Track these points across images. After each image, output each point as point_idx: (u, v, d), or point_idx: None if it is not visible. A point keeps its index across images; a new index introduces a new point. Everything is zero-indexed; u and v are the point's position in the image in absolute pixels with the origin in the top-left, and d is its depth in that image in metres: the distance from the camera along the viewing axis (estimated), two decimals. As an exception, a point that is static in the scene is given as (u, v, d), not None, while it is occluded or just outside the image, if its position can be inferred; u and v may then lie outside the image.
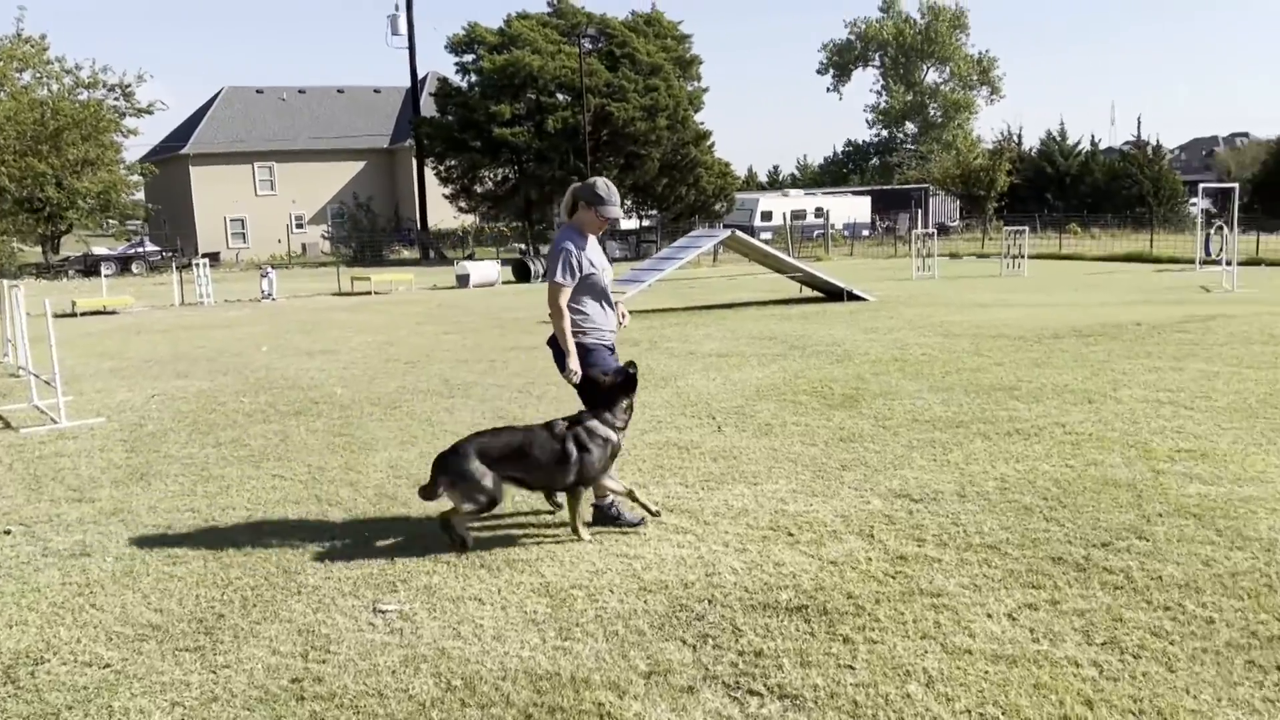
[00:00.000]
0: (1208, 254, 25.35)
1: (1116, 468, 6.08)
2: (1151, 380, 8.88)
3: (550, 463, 5.07)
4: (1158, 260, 29.44)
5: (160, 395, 9.87)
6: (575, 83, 40.66)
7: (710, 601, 4.27)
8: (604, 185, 5.38)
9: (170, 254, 40.89)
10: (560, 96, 43.69)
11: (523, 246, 44.25)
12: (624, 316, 5.66)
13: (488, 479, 4.96)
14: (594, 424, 5.18)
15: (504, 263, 31.54)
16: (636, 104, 42.39)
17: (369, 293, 24.01)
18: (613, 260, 32.54)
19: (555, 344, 5.38)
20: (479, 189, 46.75)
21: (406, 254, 48.81)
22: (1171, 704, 3.29)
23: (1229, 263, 20.50)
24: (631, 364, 5.42)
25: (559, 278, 5.20)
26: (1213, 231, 25.92)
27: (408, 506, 5.74)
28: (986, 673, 3.55)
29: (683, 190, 45.97)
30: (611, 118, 42.09)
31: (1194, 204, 45.52)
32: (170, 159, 52.97)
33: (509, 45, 43.41)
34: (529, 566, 4.75)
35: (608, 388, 5.24)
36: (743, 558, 4.77)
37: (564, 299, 5.21)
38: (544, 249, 44.78)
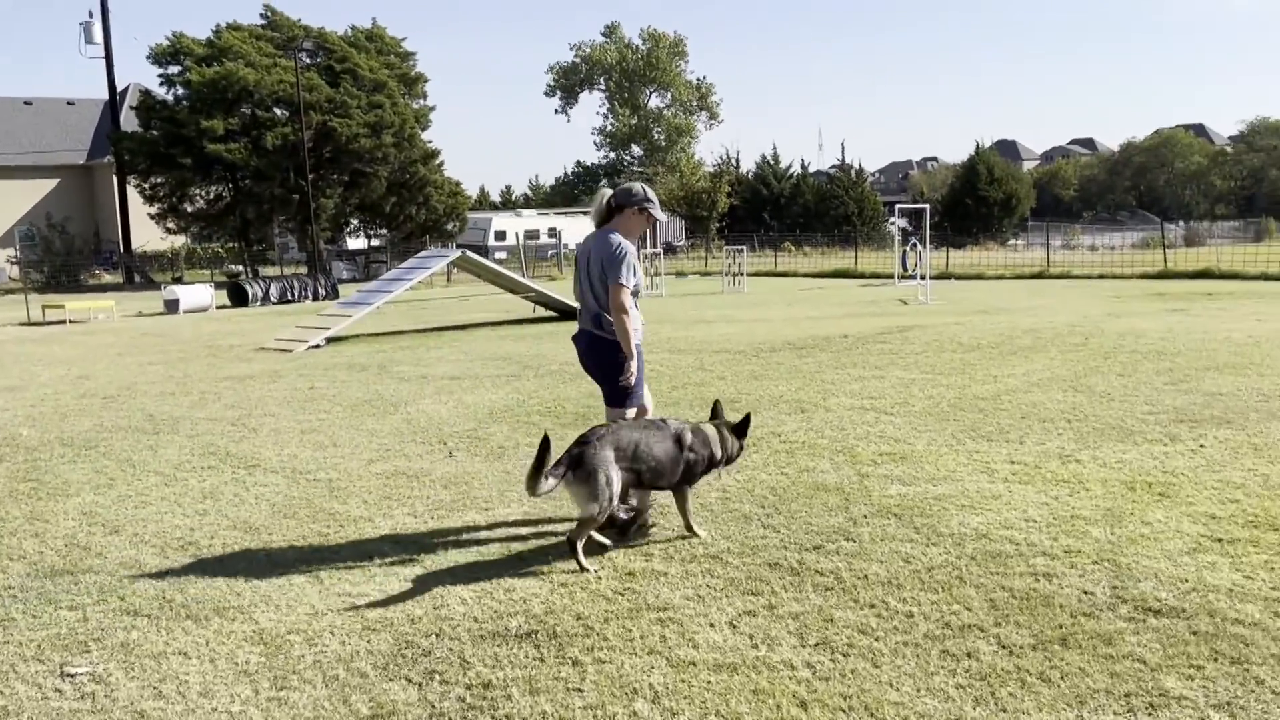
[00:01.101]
0: (904, 269, 27.60)
1: (826, 473, 6.45)
2: (857, 389, 9.51)
3: (666, 460, 5.09)
4: (862, 276, 31.76)
5: None
6: (294, 97, 39.05)
7: (438, 635, 4.15)
8: (643, 187, 5.63)
9: None
10: (278, 112, 41.83)
11: (238, 269, 42.03)
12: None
13: (616, 479, 4.84)
14: (709, 430, 5.34)
15: (218, 286, 29.75)
16: (360, 120, 41.26)
17: (63, 321, 21.96)
18: (340, 281, 31.36)
19: (586, 340, 5.62)
20: (189, 208, 43.86)
21: (109, 278, 45.09)
22: (877, 698, 3.50)
23: (923, 277, 22.40)
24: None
25: (624, 279, 5.34)
26: (908, 248, 28.24)
27: (103, 556, 5.25)
28: (709, 683, 3.64)
29: (412, 209, 45.14)
30: (334, 134, 40.73)
31: (892, 223, 49.44)
32: None
33: (219, 57, 41.09)
34: (241, 613, 4.45)
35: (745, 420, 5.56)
36: (472, 587, 4.68)
37: (628, 300, 5.36)
38: (264, 270, 42.74)
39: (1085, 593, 4.32)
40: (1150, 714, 3.32)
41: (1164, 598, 4.22)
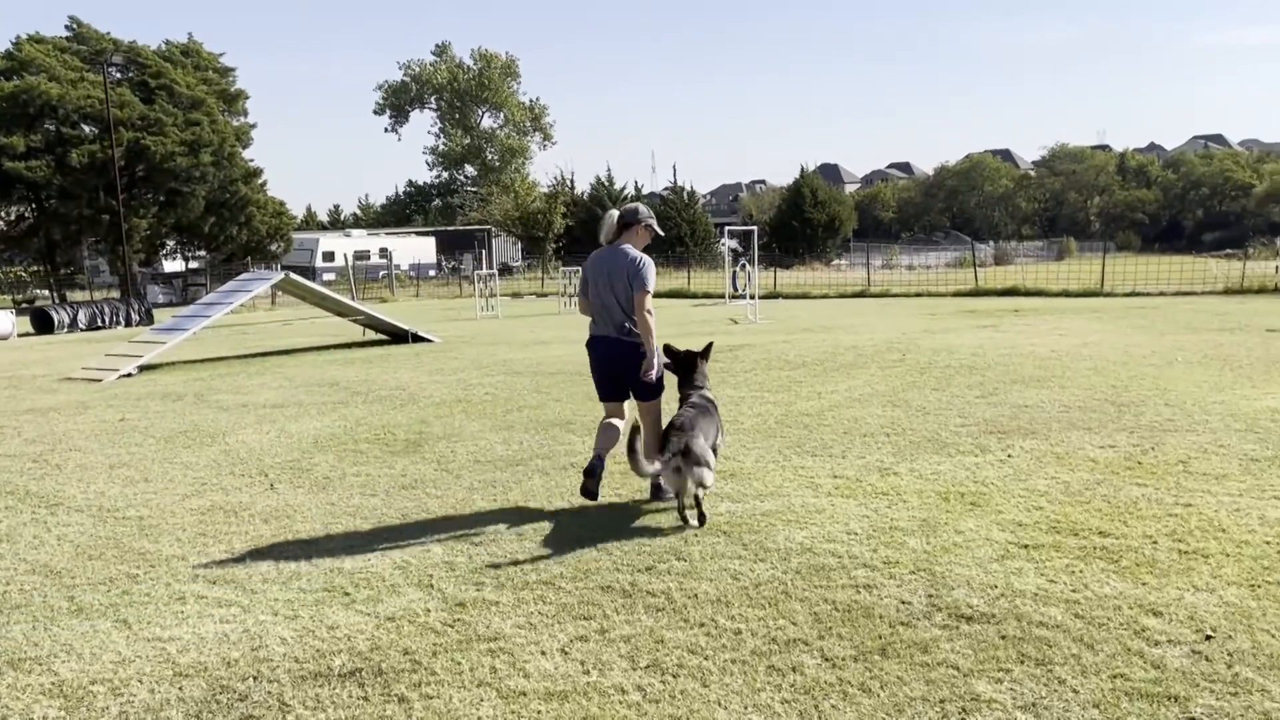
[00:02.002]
0: (735, 289, 28.27)
1: (659, 493, 6.50)
2: (689, 408, 9.63)
3: (716, 432, 6.13)
4: (695, 296, 32.36)
5: None
6: (103, 114, 37.02)
7: (255, 678, 3.96)
8: (646, 208, 6.47)
9: None
10: (86, 128, 39.58)
11: (44, 293, 39.51)
12: None
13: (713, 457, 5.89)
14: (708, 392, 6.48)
15: (19, 312, 27.85)
16: (176, 138, 39.46)
17: None
18: (155, 306, 29.92)
19: (607, 345, 6.33)
20: (-12, 229, 41.05)
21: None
22: (706, 717, 3.52)
23: (752, 297, 22.99)
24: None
25: (649, 286, 6.16)
26: (738, 269, 28.94)
27: (-121, 612, 4.80)
28: (539, 712, 3.60)
29: (234, 230, 43.40)
30: (148, 152, 38.79)
31: (723, 244, 50.64)
32: None
33: (20, 70, 38.65)
34: (39, 665, 4.14)
35: (686, 356, 6.64)
36: (293, 625, 4.49)
37: (651, 303, 6.15)
38: (72, 295, 40.27)
39: (903, 602, 4.48)
40: (962, 718, 3.46)
41: (975, 604, 4.42)
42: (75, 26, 42.65)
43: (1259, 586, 4.52)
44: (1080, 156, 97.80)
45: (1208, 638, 4.00)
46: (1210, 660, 3.81)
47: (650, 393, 6.34)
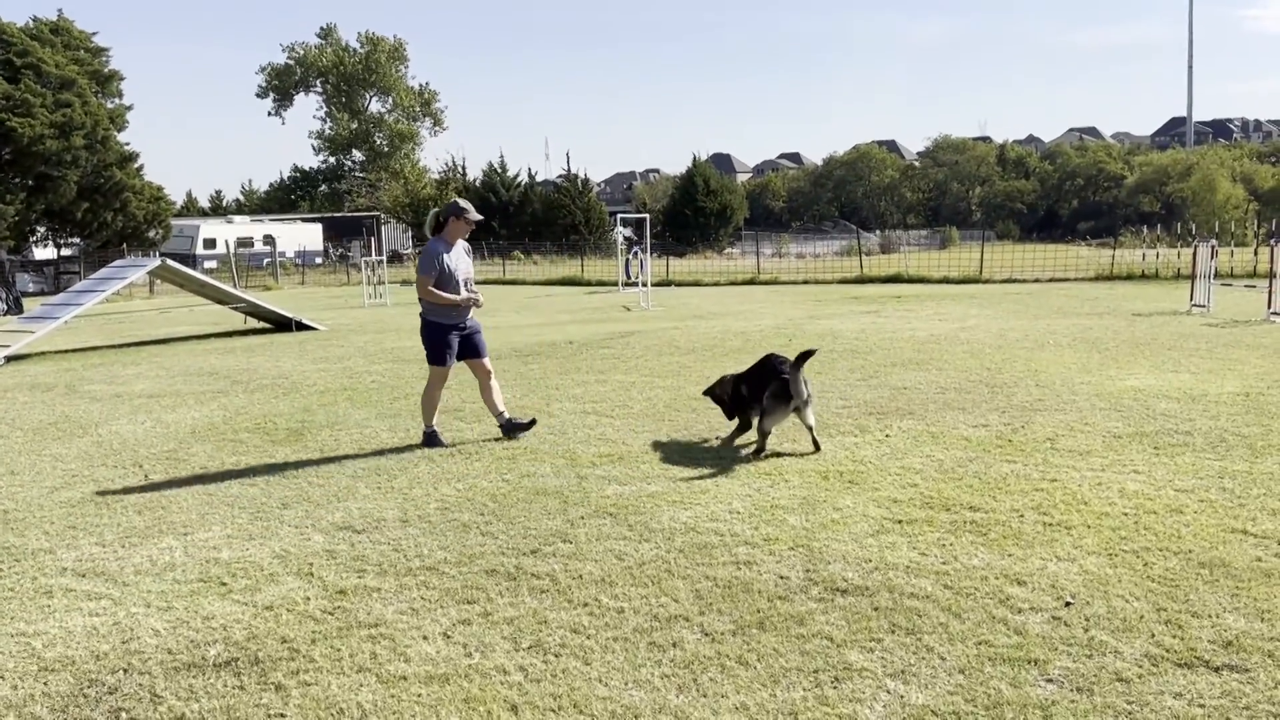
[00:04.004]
0: (628, 276, 28.36)
1: (547, 477, 6.51)
2: (579, 393, 9.67)
3: None
4: (589, 283, 32.35)
5: None
6: (-35, 93, 35.18)
7: (126, 670, 3.85)
8: (463, 200, 7.67)
9: None
10: (-54, 108, 37.58)
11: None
12: (475, 303, 7.52)
13: None
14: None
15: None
16: (45, 120, 37.72)
17: None
18: (25, 295, 28.62)
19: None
20: None
21: None
22: (586, 695, 3.56)
23: (645, 284, 23.10)
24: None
25: (424, 274, 7.33)
26: (631, 257, 29.04)
27: None
28: (420, 696, 3.59)
29: (108, 216, 41.71)
30: (14, 135, 37.00)
31: (617, 232, 50.71)
32: None
33: None
34: (-111, 667, 3.95)
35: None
36: (167, 617, 4.38)
37: (425, 287, 7.32)
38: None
39: (781, 577, 4.59)
40: (835, 687, 3.56)
41: (850, 577, 4.56)
42: (-68, 0, 40.39)
43: (1116, 555, 4.76)
44: (963, 148, 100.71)
45: (1067, 604, 4.20)
46: (1069, 625, 4.00)
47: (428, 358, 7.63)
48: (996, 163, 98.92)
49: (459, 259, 7.50)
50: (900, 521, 5.35)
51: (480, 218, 7.77)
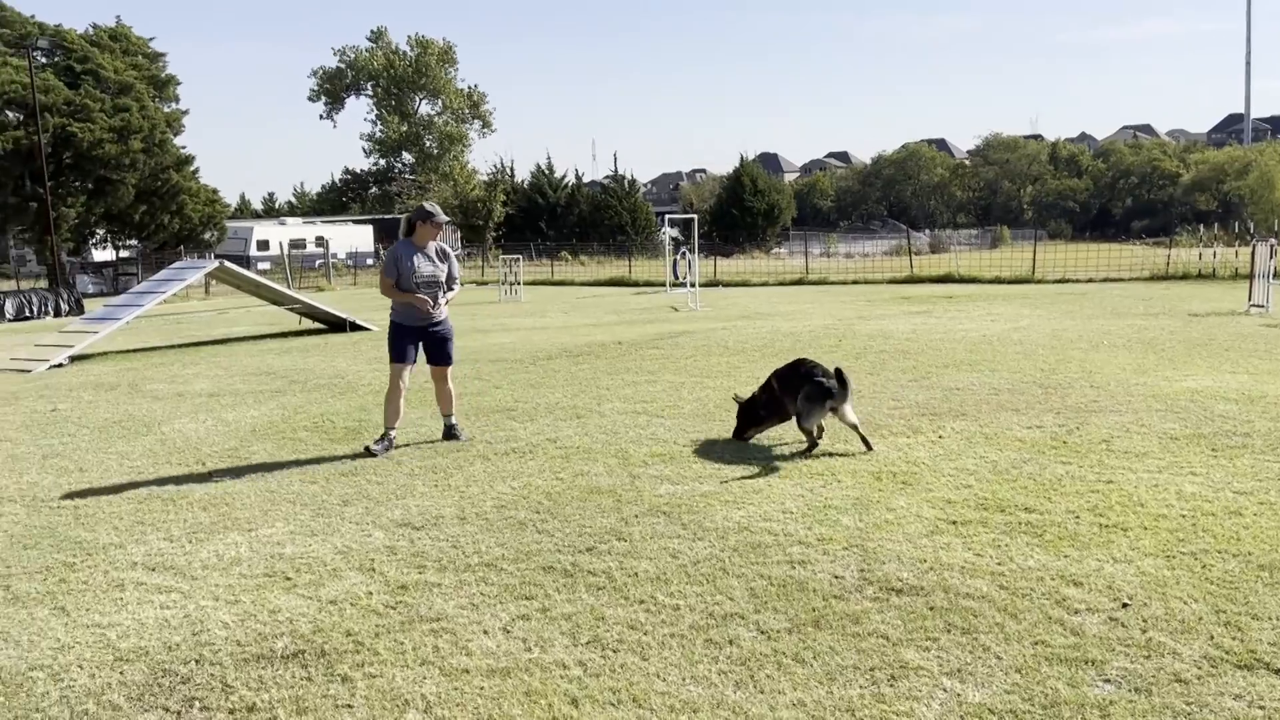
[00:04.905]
0: (675, 277, 28.41)
1: (600, 476, 6.59)
2: (630, 393, 9.74)
3: None
4: (636, 284, 32.45)
5: None
6: (27, 99, 36.02)
7: (198, 661, 3.98)
8: (430, 204, 7.83)
9: None
10: (10, 114, 38.54)
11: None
12: (436, 307, 7.66)
13: None
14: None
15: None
16: (105, 125, 38.59)
17: None
18: (85, 296, 29.33)
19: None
20: (-94, 217, 39.78)
21: None
22: (645, 689, 3.62)
23: (693, 285, 23.14)
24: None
25: (385, 275, 7.70)
26: (679, 257, 29.09)
27: None
28: (482, 688, 3.67)
29: (165, 218, 42.60)
30: (75, 139, 37.88)
31: (664, 232, 50.81)
32: None
33: (-61, 53, 37.53)
34: (-25, 655, 4.11)
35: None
36: (235, 610, 4.51)
37: (386, 288, 7.66)
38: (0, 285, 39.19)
39: (836, 576, 4.62)
40: (892, 685, 3.59)
41: (905, 577, 4.57)
42: (-2, 9, 41.50)
43: (1174, 557, 4.73)
44: (1013, 146, 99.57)
45: (1124, 605, 4.18)
46: (1126, 626, 3.99)
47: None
48: (1048, 161, 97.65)
49: (423, 262, 7.60)
50: (955, 522, 5.35)
51: (446, 219, 7.88)
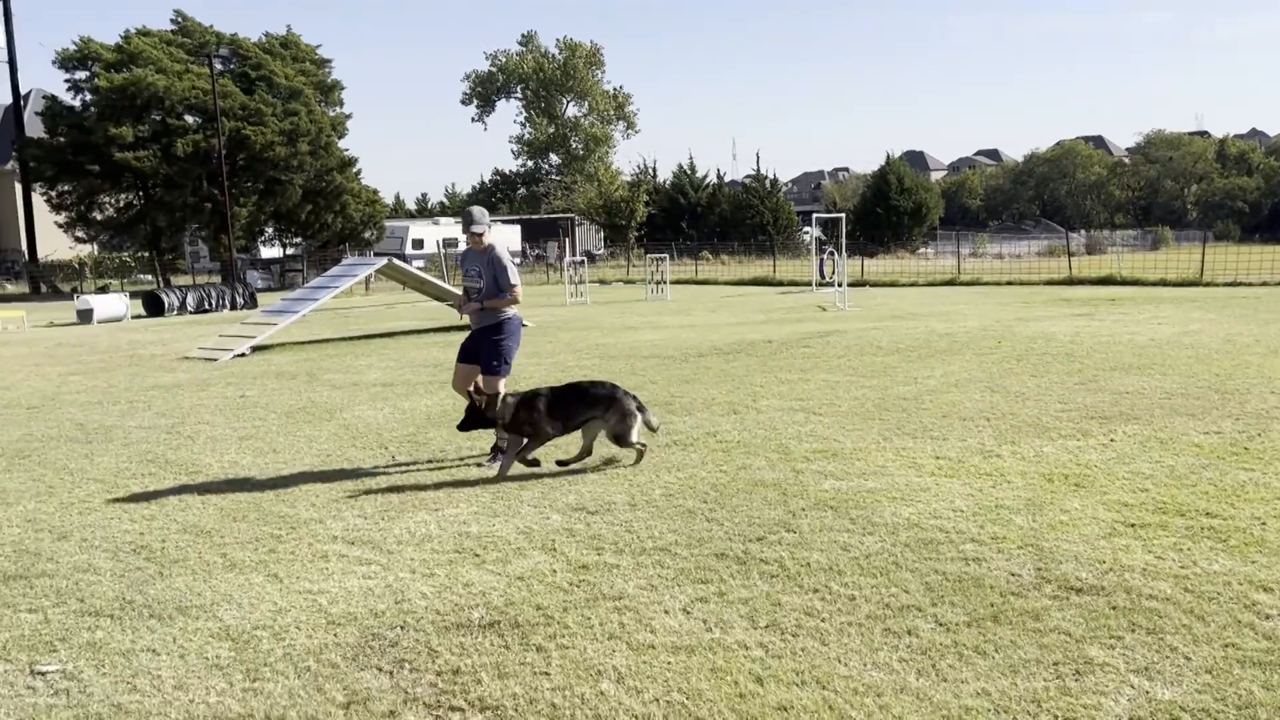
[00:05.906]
0: (822, 276, 28.22)
1: (763, 470, 6.71)
2: (785, 390, 9.82)
3: None
4: (780, 283, 32.34)
5: None
6: (207, 105, 38.29)
7: (403, 627, 4.29)
8: (465, 213, 7.64)
9: None
10: (190, 119, 41.03)
11: (147, 278, 41.11)
12: (463, 310, 7.87)
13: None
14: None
15: (133, 295, 29.07)
16: (275, 128, 40.66)
17: (-29, 332, 21.29)
18: (256, 290, 30.83)
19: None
20: (98, 216, 42.74)
21: (11, 288, 43.74)
22: (827, 672, 3.74)
23: (840, 284, 22.96)
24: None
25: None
26: (825, 256, 28.88)
27: (54, 561, 5.26)
28: (669, 664, 3.85)
29: (329, 218, 44.59)
30: (248, 142, 40.07)
31: (807, 232, 50.38)
32: None
33: (129, 63, 40.18)
34: (204, 612, 4.52)
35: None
36: (431, 582, 4.82)
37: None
38: (176, 280, 41.79)
39: (1012, 574, 4.62)
40: (1077, 679, 3.61)
41: (1084, 577, 4.55)
42: (180, 20, 44.21)
43: (1371, 568, 4.56)
44: (1177, 143, 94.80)
45: (1319, 614, 4.07)
46: (1322, 634, 3.89)
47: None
48: (1215, 159, 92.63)
49: (470, 267, 7.71)
50: (1133, 525, 5.27)
51: (482, 228, 7.60)
